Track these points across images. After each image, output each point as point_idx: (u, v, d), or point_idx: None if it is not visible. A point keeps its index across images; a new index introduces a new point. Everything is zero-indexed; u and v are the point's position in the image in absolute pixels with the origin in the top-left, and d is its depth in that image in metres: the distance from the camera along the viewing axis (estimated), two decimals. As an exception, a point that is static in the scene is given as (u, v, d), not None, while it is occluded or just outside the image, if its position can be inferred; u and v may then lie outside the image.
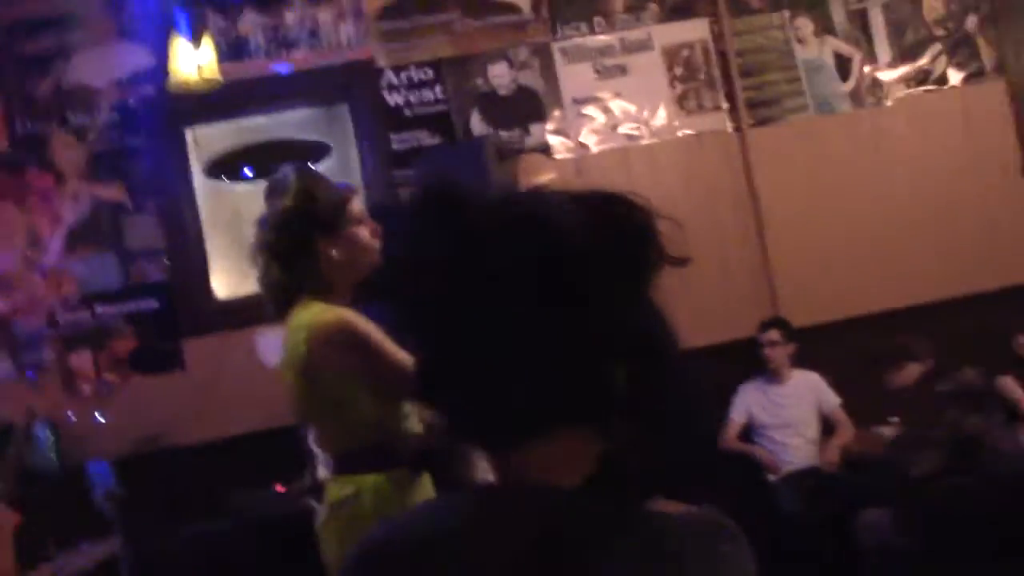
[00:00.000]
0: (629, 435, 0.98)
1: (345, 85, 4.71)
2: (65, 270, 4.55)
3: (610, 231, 0.97)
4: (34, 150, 4.53)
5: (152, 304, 4.58)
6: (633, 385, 0.95)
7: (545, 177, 4.66)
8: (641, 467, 0.99)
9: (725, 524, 0.96)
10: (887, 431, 4.45)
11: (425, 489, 2.27)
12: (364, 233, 2.33)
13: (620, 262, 0.97)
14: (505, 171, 4.41)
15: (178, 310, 4.58)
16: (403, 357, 2.14)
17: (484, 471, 2.85)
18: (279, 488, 4.08)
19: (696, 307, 4.48)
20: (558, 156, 4.77)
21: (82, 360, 4.54)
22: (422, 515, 1.04)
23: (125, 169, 4.58)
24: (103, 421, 4.40)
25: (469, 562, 0.90)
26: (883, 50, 4.99)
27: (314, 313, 2.19)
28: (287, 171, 2.32)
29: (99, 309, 4.56)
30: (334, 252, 2.26)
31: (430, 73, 4.71)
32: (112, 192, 4.56)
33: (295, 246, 2.24)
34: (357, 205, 2.35)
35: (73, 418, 4.22)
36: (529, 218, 0.95)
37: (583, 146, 4.80)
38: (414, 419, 2.29)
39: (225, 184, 4.88)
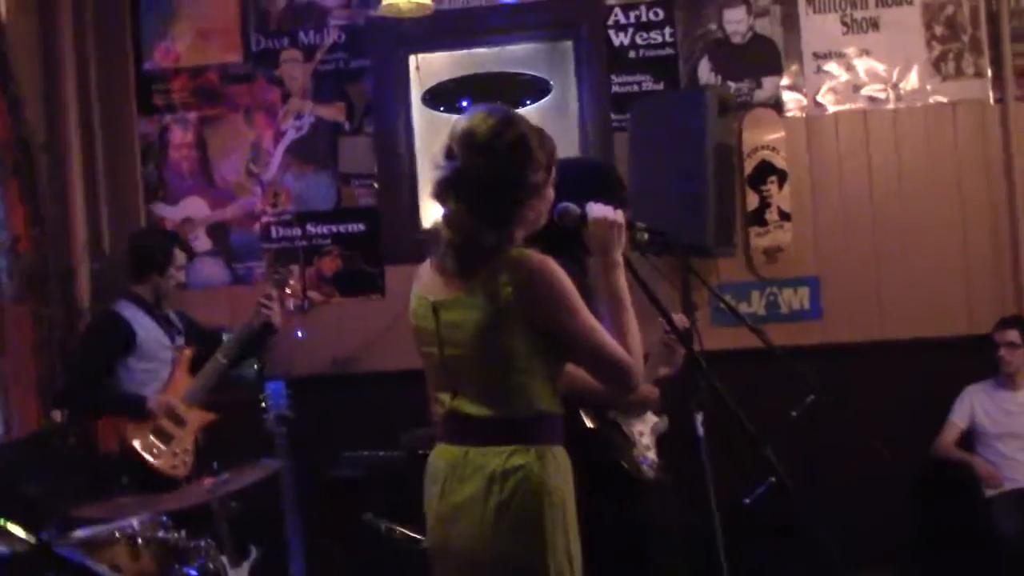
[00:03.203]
0: None
1: (572, 21, 4.59)
2: (283, 185, 4.66)
3: None
4: (264, 65, 4.65)
5: (360, 227, 4.62)
6: None
7: (772, 136, 4.34)
8: None
9: None
10: None
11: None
12: (551, 192, 2.09)
13: None
14: (726, 126, 4.12)
15: (384, 236, 4.60)
16: (596, 324, 1.96)
17: (642, 451, 2.64)
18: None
19: (928, 294, 4.10)
20: (788, 114, 4.46)
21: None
22: None
23: (346, 91, 4.61)
24: (302, 336, 4.48)
25: None
26: None
27: (512, 255, 1.96)
28: (500, 116, 2.01)
29: (310, 227, 4.64)
30: (531, 214, 2.05)
31: (661, 14, 4.50)
32: (332, 112, 4.62)
33: (507, 209, 2.00)
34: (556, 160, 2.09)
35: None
36: None
37: (819, 105, 4.46)
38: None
39: (442, 115, 4.81)
